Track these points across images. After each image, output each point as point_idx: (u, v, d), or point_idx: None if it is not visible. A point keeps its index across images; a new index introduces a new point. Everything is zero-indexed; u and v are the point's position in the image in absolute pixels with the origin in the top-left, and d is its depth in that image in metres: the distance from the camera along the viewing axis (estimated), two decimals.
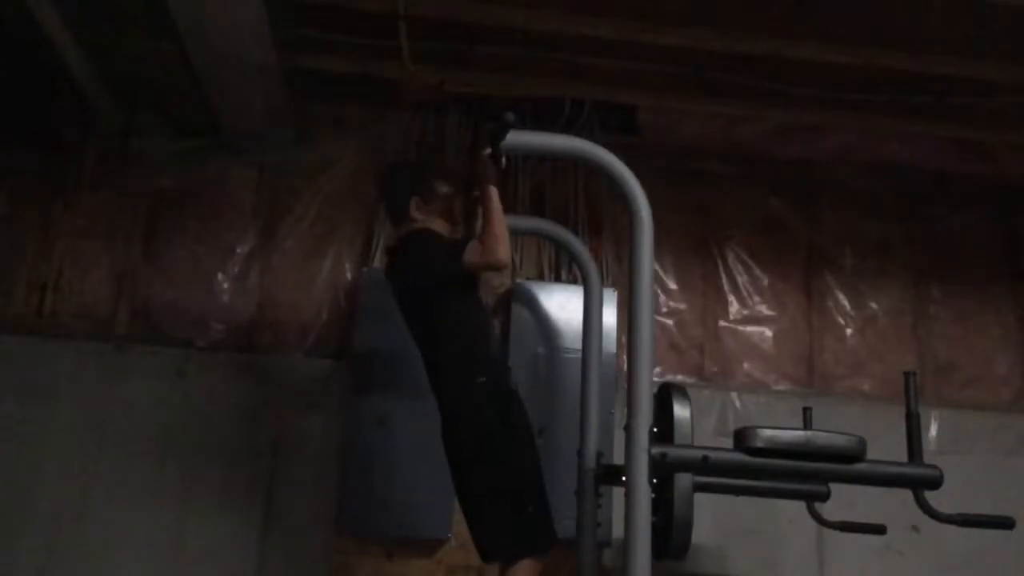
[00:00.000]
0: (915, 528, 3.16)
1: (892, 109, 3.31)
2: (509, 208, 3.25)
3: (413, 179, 2.52)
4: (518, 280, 3.33)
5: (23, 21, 2.71)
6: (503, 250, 2.25)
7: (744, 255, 3.58)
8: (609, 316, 3.21)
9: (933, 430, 3.38)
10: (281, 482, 3.10)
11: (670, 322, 3.47)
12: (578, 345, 2.99)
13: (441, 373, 2.33)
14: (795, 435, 2.01)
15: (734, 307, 3.52)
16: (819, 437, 2.01)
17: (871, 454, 2.02)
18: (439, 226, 2.46)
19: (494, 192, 2.30)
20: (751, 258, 3.58)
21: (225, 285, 3.32)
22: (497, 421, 2.24)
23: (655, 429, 1.93)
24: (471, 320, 2.37)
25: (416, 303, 2.39)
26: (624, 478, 1.91)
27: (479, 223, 2.43)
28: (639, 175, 2.12)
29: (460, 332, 2.33)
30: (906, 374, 2.33)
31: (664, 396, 2.47)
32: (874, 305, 3.59)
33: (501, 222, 2.27)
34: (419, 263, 2.37)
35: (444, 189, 2.51)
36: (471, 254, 2.28)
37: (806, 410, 2.80)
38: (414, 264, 2.39)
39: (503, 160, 2.25)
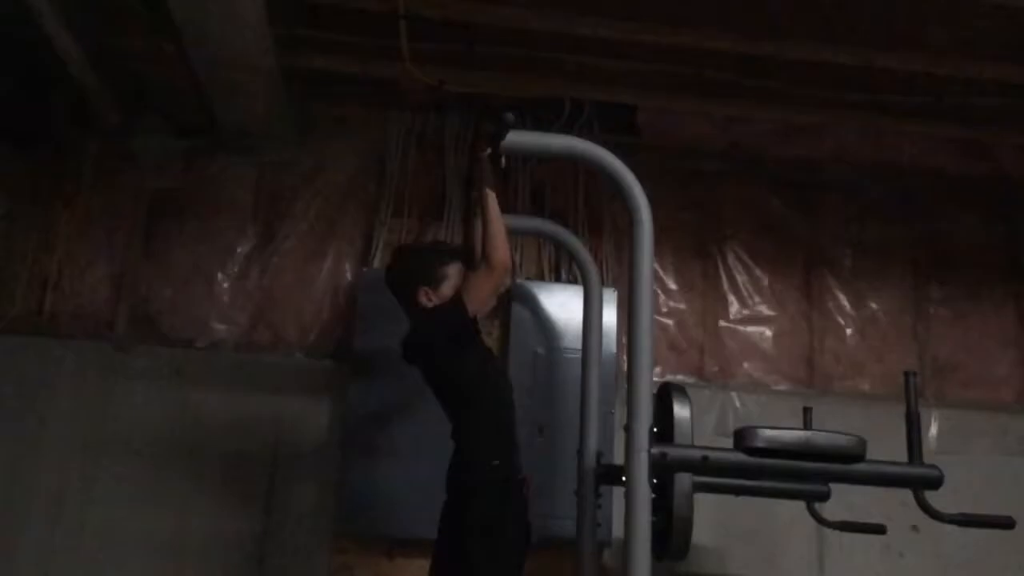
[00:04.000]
0: (915, 528, 3.16)
1: (892, 109, 3.32)
2: (509, 208, 3.28)
3: (419, 268, 2.45)
4: (518, 280, 3.33)
5: (23, 21, 2.71)
6: (503, 251, 2.27)
7: (744, 255, 3.57)
8: (609, 316, 3.20)
9: (933, 430, 3.38)
10: (281, 482, 3.10)
11: (670, 322, 3.47)
12: (578, 345, 2.99)
13: (460, 442, 2.32)
14: (795, 435, 2.01)
15: (734, 307, 3.52)
16: (819, 437, 2.02)
17: (871, 454, 2.02)
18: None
19: (492, 195, 2.30)
20: (751, 258, 3.57)
21: (225, 285, 3.32)
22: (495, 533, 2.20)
23: (655, 429, 1.93)
24: (489, 389, 2.36)
25: (435, 383, 2.39)
26: (624, 478, 1.91)
27: (478, 223, 2.44)
28: (639, 175, 2.12)
29: (480, 407, 2.33)
30: (906, 374, 2.33)
31: (664, 396, 2.47)
32: (874, 305, 3.59)
33: (499, 224, 2.28)
34: (426, 347, 2.36)
35: (452, 268, 2.43)
36: (479, 290, 2.29)
37: (806, 410, 2.81)
38: (423, 350, 2.36)
39: (503, 160, 2.25)
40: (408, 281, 2.42)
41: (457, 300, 2.31)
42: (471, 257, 2.59)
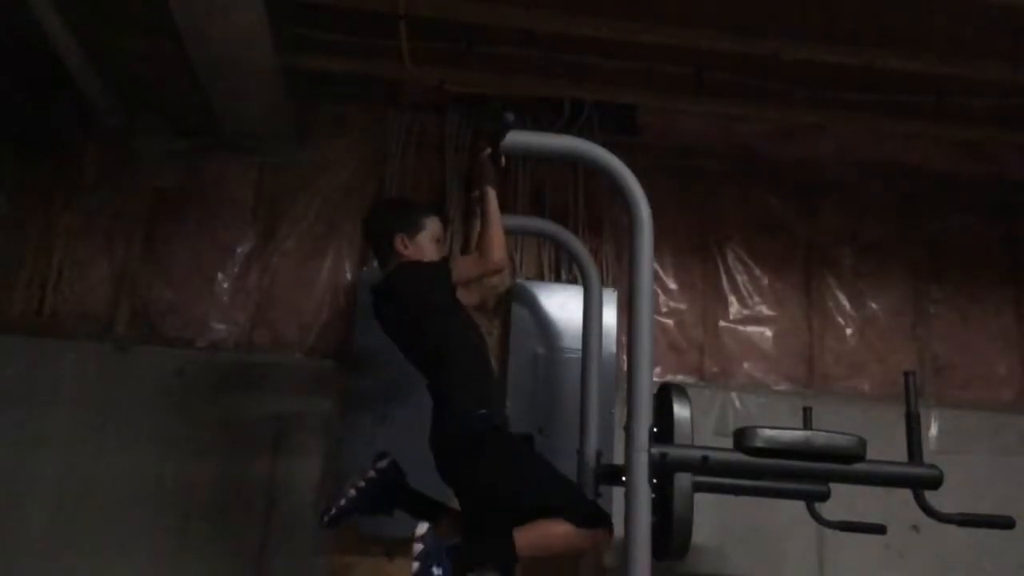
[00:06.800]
0: (915, 528, 3.16)
1: (892, 109, 3.32)
2: (509, 208, 3.28)
3: (395, 216, 2.45)
4: (518, 280, 3.33)
5: (23, 21, 2.71)
6: (499, 252, 2.28)
7: (744, 255, 3.57)
8: (609, 316, 3.20)
9: (933, 430, 3.38)
10: (281, 481, 3.10)
11: (670, 322, 3.47)
12: (578, 345, 2.98)
13: (443, 401, 2.28)
14: (795, 435, 2.00)
15: (734, 307, 3.52)
16: (819, 437, 2.01)
17: (871, 454, 2.02)
18: (429, 255, 2.39)
19: (492, 194, 2.31)
20: (751, 258, 3.57)
21: (225, 285, 3.32)
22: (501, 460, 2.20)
23: (655, 429, 1.93)
24: (470, 347, 2.33)
25: (411, 335, 2.35)
26: (624, 478, 1.91)
27: (477, 223, 2.45)
28: (639, 175, 2.12)
29: (462, 359, 2.29)
30: (906, 374, 2.33)
31: (664, 396, 2.47)
32: (874, 305, 3.59)
33: (498, 224, 2.29)
34: (406, 295, 2.32)
35: (429, 220, 2.44)
36: (464, 268, 2.32)
37: (806, 410, 2.80)
38: (401, 298, 2.33)
39: (503, 160, 2.25)
40: (384, 227, 2.43)
41: (444, 264, 2.33)
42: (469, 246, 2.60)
